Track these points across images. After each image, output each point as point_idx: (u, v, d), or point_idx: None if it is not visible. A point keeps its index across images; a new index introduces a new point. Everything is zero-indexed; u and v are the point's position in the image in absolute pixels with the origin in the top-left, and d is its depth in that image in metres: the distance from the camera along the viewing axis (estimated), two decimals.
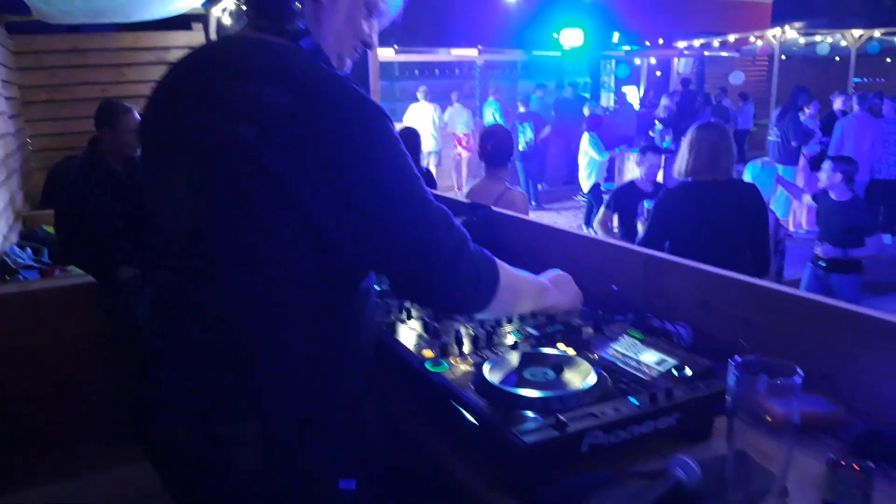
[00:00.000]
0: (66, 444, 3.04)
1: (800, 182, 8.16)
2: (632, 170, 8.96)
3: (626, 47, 14.83)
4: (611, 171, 9.31)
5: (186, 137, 1.06)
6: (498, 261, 1.17)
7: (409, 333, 1.45)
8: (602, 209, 4.93)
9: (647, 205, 4.14)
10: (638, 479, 1.04)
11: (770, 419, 0.88)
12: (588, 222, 8.36)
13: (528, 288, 1.28)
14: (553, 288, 1.36)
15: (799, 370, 0.87)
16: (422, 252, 1.04)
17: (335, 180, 0.99)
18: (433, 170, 9.65)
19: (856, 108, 7.70)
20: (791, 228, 8.25)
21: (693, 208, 2.93)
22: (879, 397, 1.22)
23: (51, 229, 4.16)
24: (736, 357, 0.90)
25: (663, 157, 6.06)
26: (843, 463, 1.07)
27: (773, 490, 0.90)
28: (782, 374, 0.87)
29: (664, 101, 10.24)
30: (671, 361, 1.24)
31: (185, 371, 1.12)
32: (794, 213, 8.33)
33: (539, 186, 10.55)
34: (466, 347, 1.36)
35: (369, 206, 1.01)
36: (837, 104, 9.01)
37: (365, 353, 1.23)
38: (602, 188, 8.68)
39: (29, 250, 4.28)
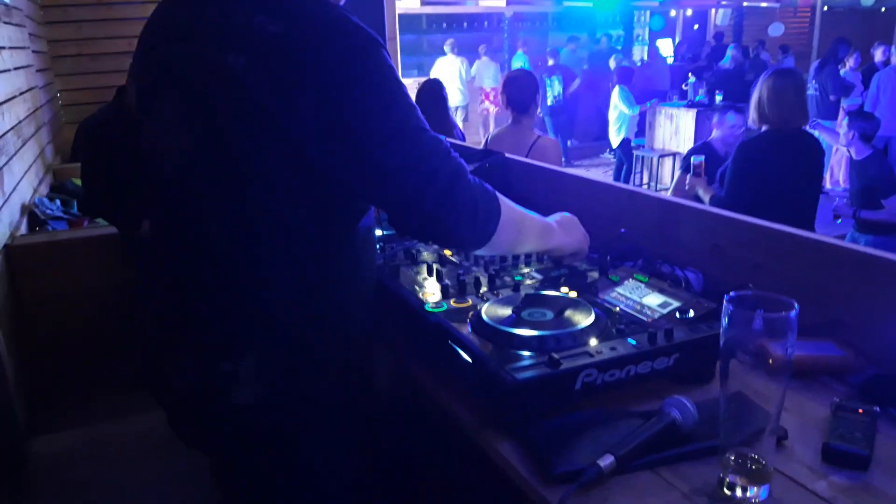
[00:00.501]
0: (89, 392, 3.13)
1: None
2: (662, 124, 8.78)
3: None
4: (641, 125, 9.11)
5: (176, 70, 1.05)
6: (500, 196, 1.14)
7: (412, 276, 1.44)
8: (679, 173, 4.67)
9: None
10: (632, 418, 1.02)
11: (767, 358, 0.85)
12: (616, 179, 8.24)
13: (531, 226, 1.26)
14: (559, 229, 1.34)
15: (795, 304, 0.84)
16: (417, 179, 1.02)
17: (325, 109, 0.97)
18: (460, 124, 9.55)
19: (894, 59, 7.38)
20: (828, 186, 8.03)
21: (773, 158, 2.87)
22: (890, 341, 1.18)
23: (80, 182, 4.22)
24: (731, 292, 0.87)
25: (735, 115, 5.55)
26: (846, 406, 1.05)
27: (768, 429, 0.88)
28: (779, 310, 0.84)
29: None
30: (674, 304, 1.22)
31: (183, 307, 1.12)
32: (831, 169, 8.10)
33: (569, 142, 10.39)
34: (469, 290, 1.34)
35: (362, 134, 0.99)
36: (878, 56, 8.66)
37: (364, 293, 1.22)
38: (632, 144, 8.51)
39: (58, 202, 4.35)
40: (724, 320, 0.86)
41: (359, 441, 1.32)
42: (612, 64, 9.60)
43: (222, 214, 1.05)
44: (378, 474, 1.80)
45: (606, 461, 0.91)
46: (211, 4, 1.04)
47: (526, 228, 1.24)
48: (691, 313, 1.18)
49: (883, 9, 14.72)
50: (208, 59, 0.99)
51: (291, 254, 1.07)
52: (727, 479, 0.89)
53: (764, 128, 2.95)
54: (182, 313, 1.12)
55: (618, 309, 1.24)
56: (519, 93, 3.31)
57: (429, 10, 12.55)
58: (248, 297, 1.07)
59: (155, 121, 1.11)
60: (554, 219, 1.39)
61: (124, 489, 2.44)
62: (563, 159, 9.71)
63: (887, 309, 1.19)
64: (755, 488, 0.88)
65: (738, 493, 0.88)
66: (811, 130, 5.54)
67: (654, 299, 1.24)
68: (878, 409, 1.04)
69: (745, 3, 14.76)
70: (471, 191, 1.08)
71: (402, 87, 1.03)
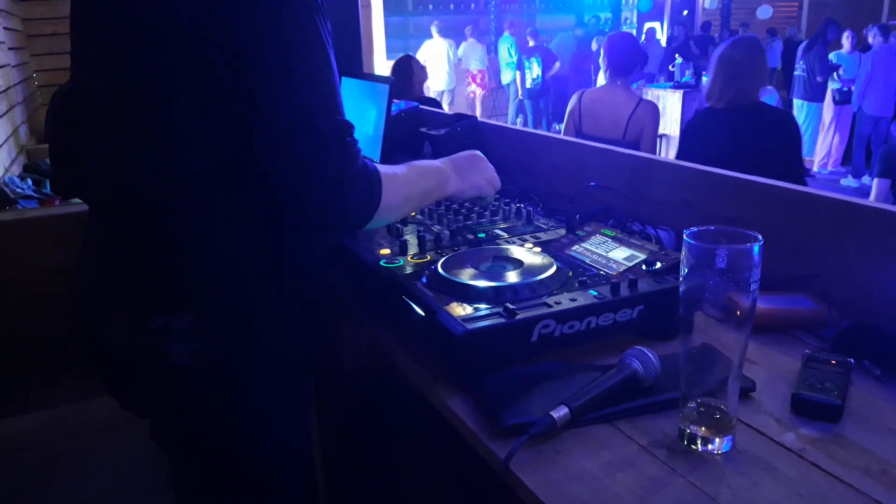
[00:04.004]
0: (56, 372, 3.05)
1: (826, 118, 7.86)
2: None
3: None
4: None
5: (107, 11, 0.98)
6: (385, 176, 1.04)
7: (371, 234, 1.37)
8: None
9: None
10: (591, 371, 0.96)
11: (734, 311, 0.79)
12: None
13: (418, 191, 1.17)
14: (453, 175, 1.25)
15: (759, 237, 0.78)
16: (295, 166, 0.94)
17: (238, 61, 0.91)
18: (446, 108, 9.47)
19: (878, 39, 7.31)
20: (815, 168, 8.00)
21: (714, 134, 2.74)
22: (867, 293, 1.12)
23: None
24: (692, 228, 0.80)
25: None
26: (819, 357, 0.99)
27: (731, 376, 0.82)
28: (743, 244, 0.78)
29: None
30: (641, 256, 1.15)
31: (116, 258, 1.06)
32: (820, 151, 8.07)
33: (555, 126, 10.32)
34: (429, 247, 1.28)
35: (258, 100, 0.92)
36: (871, 38, 8.60)
37: (311, 250, 1.15)
38: None
39: (29, 181, 4.25)
40: (685, 257, 0.80)
41: (315, 404, 1.25)
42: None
43: (153, 159, 0.98)
44: (343, 440, 1.75)
45: (560, 412, 0.85)
46: None
47: (411, 200, 1.15)
48: (658, 265, 1.12)
49: None
50: None
51: (226, 203, 1.00)
52: (688, 431, 0.84)
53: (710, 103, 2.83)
54: (114, 266, 1.06)
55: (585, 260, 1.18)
56: (622, 56, 3.36)
57: None
58: (181, 249, 1.00)
59: (86, 60, 1.05)
60: (456, 159, 1.29)
61: (83, 472, 2.37)
62: None
63: (863, 258, 1.13)
64: (717, 440, 0.83)
65: (699, 445, 0.83)
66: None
67: (620, 253, 1.18)
68: (852, 360, 0.99)
69: None
70: (350, 189, 0.98)
71: (321, 52, 0.95)
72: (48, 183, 4.40)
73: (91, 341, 1.12)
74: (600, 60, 3.49)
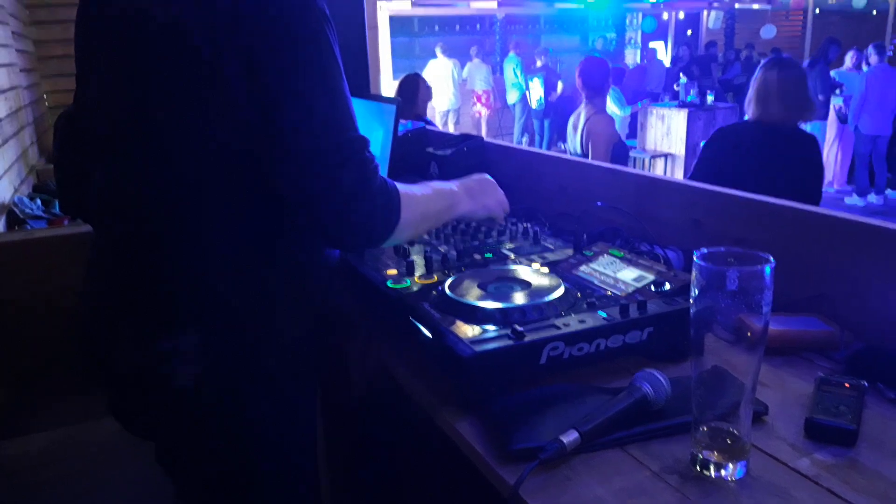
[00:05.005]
0: (64, 393, 3.04)
1: (829, 136, 7.86)
2: (654, 125, 8.73)
3: None
4: (633, 126, 9.05)
5: (110, 21, 0.99)
6: (403, 194, 1.05)
7: (377, 255, 1.37)
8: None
9: None
10: (601, 394, 0.95)
11: (745, 332, 0.78)
12: None
13: (434, 210, 1.17)
14: (465, 196, 1.25)
15: (771, 258, 0.77)
16: (316, 183, 0.95)
17: (251, 73, 0.92)
18: (451, 128, 9.51)
19: (874, 58, 7.32)
20: None
21: (740, 151, 2.70)
22: (879, 315, 1.11)
23: None
24: (702, 249, 0.80)
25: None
26: (832, 380, 0.98)
27: (744, 400, 0.80)
28: (753, 265, 0.77)
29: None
30: (650, 277, 1.15)
31: (122, 279, 1.05)
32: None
33: (561, 145, 10.34)
34: (436, 267, 1.27)
35: (276, 119, 0.93)
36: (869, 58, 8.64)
37: (317, 270, 1.14)
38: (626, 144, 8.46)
39: (38, 201, 4.27)
40: (696, 279, 0.79)
41: (321, 426, 1.24)
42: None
43: (159, 177, 0.98)
44: (349, 463, 1.73)
45: (570, 437, 0.83)
46: None
47: (427, 219, 1.16)
48: (667, 286, 1.11)
49: (874, 11, 14.72)
50: (141, 8, 0.94)
51: (232, 222, 1.00)
52: (700, 456, 0.82)
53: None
54: (120, 287, 1.05)
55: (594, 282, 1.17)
56: (594, 77, 3.74)
57: (420, 11, 12.51)
58: (187, 269, 1.00)
59: (91, 77, 1.05)
60: (467, 182, 1.30)
61: (88, 494, 2.35)
62: None
63: (874, 280, 1.12)
64: (731, 465, 0.81)
65: (713, 471, 0.81)
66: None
67: (629, 274, 1.18)
68: (865, 383, 0.97)
69: (736, 6, 14.75)
70: (370, 204, 0.99)
71: (334, 71, 0.96)
72: (57, 203, 4.43)
73: (96, 363, 1.11)
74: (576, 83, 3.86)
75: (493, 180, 1.34)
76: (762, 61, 2.91)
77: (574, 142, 3.76)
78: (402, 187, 1.06)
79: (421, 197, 1.12)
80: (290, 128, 0.93)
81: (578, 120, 3.73)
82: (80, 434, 2.83)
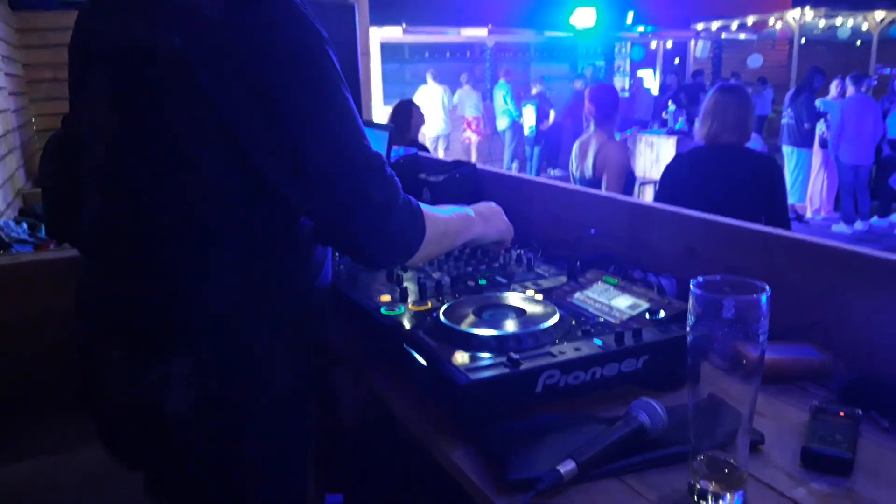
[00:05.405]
0: (50, 419, 2.99)
1: (815, 164, 7.95)
2: (643, 152, 8.81)
3: (641, 28, 14.55)
4: None
5: (107, 49, 0.98)
6: (426, 210, 1.07)
7: (369, 282, 1.36)
8: None
9: None
10: (597, 423, 0.94)
11: (741, 360, 0.78)
12: None
13: (452, 231, 1.19)
14: (478, 219, 1.28)
15: (767, 287, 0.77)
16: (346, 198, 0.96)
17: (261, 105, 0.92)
18: (441, 153, 9.56)
19: (851, 89, 7.47)
20: (808, 214, 8.05)
21: (696, 174, 2.79)
22: (872, 343, 1.11)
23: None
24: (697, 278, 0.80)
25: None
26: (827, 409, 0.98)
27: (741, 429, 0.80)
28: (749, 294, 0.77)
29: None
30: (644, 305, 1.15)
31: (110, 305, 1.04)
32: (810, 197, 8.13)
33: (551, 171, 10.42)
34: (429, 294, 1.27)
35: (295, 140, 0.93)
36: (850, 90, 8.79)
37: (310, 297, 1.13)
38: None
39: (25, 225, 4.24)
40: (692, 307, 0.79)
41: (314, 456, 1.23)
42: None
43: (153, 203, 0.97)
44: (343, 490, 1.71)
45: (567, 467, 0.83)
46: None
47: (447, 237, 1.18)
48: (662, 314, 1.11)
49: (858, 42, 15.00)
50: (143, 37, 0.93)
51: (227, 247, 0.99)
52: (698, 486, 0.82)
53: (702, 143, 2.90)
54: (114, 313, 1.04)
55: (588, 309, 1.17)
56: (605, 105, 3.70)
57: (411, 38, 12.65)
58: (182, 294, 0.99)
59: (85, 103, 1.04)
60: (477, 207, 1.33)
61: None
62: None
63: (866, 308, 1.12)
64: (728, 495, 0.80)
65: (710, 501, 0.81)
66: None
67: (623, 301, 1.18)
68: (860, 412, 0.97)
69: (723, 36, 14.99)
70: (400, 219, 1.01)
71: (344, 92, 0.97)
72: (43, 227, 4.39)
73: (87, 389, 1.09)
74: (585, 109, 3.77)
75: (499, 207, 1.37)
76: (711, 88, 3.03)
77: (583, 167, 3.71)
78: (422, 205, 1.07)
79: (441, 215, 1.14)
80: (314, 152, 0.93)
81: (588, 146, 3.67)
82: (63, 462, 2.78)
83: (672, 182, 2.90)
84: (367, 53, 3.71)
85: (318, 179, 0.94)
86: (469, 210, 1.27)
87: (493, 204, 1.37)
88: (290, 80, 0.92)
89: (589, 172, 3.65)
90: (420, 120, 4.61)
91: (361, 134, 0.98)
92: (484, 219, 1.30)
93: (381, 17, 9.62)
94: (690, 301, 0.80)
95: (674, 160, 3.04)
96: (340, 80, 0.97)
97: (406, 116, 4.42)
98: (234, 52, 0.90)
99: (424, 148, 5.20)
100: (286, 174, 0.95)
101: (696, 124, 2.90)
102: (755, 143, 6.97)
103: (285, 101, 0.92)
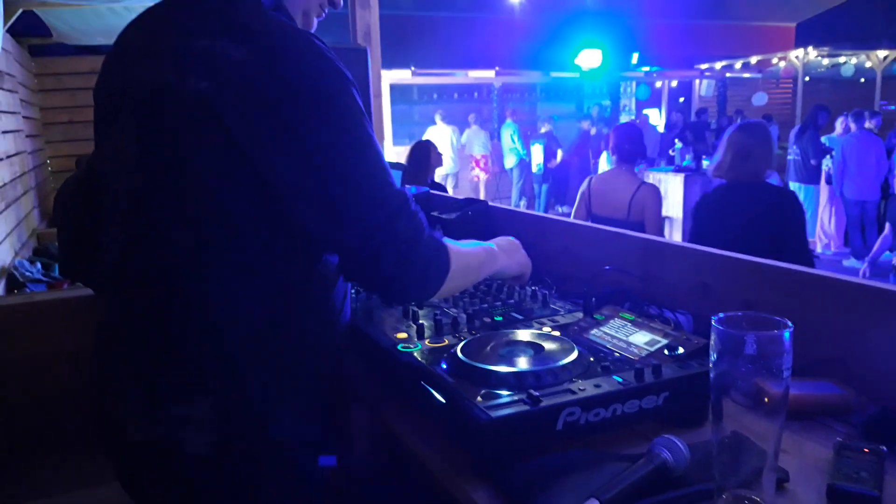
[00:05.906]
0: (62, 458, 2.97)
1: (822, 199, 7.96)
2: None
3: (646, 68, 14.74)
4: None
5: (133, 93, 1.01)
6: (450, 246, 1.09)
7: (386, 319, 1.36)
8: None
9: None
10: (619, 461, 0.93)
11: (762, 397, 0.78)
12: None
13: (475, 265, 1.22)
14: (501, 253, 1.32)
15: (789, 323, 0.77)
16: (375, 236, 0.97)
17: (289, 145, 0.94)
18: (450, 191, 9.62)
19: (853, 127, 7.52)
20: (818, 249, 8.03)
21: (722, 210, 2.89)
22: (892, 377, 1.10)
23: None
24: (719, 314, 0.80)
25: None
26: (851, 445, 0.97)
27: (766, 467, 0.79)
28: (772, 330, 0.77)
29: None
30: (663, 341, 1.14)
31: (131, 346, 1.05)
32: (821, 233, 8.12)
33: (559, 208, 10.46)
34: (446, 331, 1.27)
35: (324, 175, 0.95)
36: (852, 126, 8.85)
37: (330, 335, 1.14)
38: None
39: (39, 265, 4.28)
40: (714, 344, 0.79)
41: (331, 495, 1.22)
42: (592, 131, 9.89)
43: (175, 243, 0.98)
44: None
45: None
46: (171, 30, 1.00)
47: (471, 271, 1.21)
48: (680, 350, 1.11)
49: (862, 79, 15.12)
50: (169, 81, 0.95)
51: (249, 288, 1.00)
52: None
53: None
54: (133, 352, 1.04)
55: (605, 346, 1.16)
56: (629, 144, 3.70)
57: (420, 80, 12.85)
58: (205, 335, 0.99)
59: (110, 146, 1.06)
60: (497, 241, 1.37)
61: None
62: None
63: (885, 342, 1.12)
64: None
65: None
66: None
67: (641, 337, 1.17)
68: (884, 448, 0.96)
69: (727, 75, 15.15)
70: (426, 253, 1.04)
71: (368, 130, 0.99)
72: (56, 266, 4.43)
73: (106, 429, 1.09)
74: (608, 148, 3.80)
75: (518, 242, 1.40)
76: (729, 128, 3.10)
77: (608, 204, 3.66)
78: (446, 239, 1.09)
79: (464, 249, 1.16)
80: (340, 189, 0.95)
81: (613, 184, 3.65)
82: (81, 500, 2.75)
83: (704, 220, 2.99)
84: (378, 95, 3.77)
85: (346, 216, 0.96)
86: (491, 244, 1.29)
87: (512, 238, 1.39)
88: (315, 120, 0.94)
89: (622, 213, 3.60)
90: (438, 161, 4.67)
91: (386, 171, 1.00)
92: (506, 253, 1.33)
93: (390, 60, 9.79)
94: (712, 337, 0.80)
95: (701, 200, 3.12)
96: (365, 119, 0.99)
97: (425, 156, 4.47)
98: (260, 94, 0.92)
99: (442, 187, 5.25)
100: (314, 212, 0.96)
101: (708, 161, 2.97)
102: (772, 179, 7.02)
103: (312, 140, 0.94)
